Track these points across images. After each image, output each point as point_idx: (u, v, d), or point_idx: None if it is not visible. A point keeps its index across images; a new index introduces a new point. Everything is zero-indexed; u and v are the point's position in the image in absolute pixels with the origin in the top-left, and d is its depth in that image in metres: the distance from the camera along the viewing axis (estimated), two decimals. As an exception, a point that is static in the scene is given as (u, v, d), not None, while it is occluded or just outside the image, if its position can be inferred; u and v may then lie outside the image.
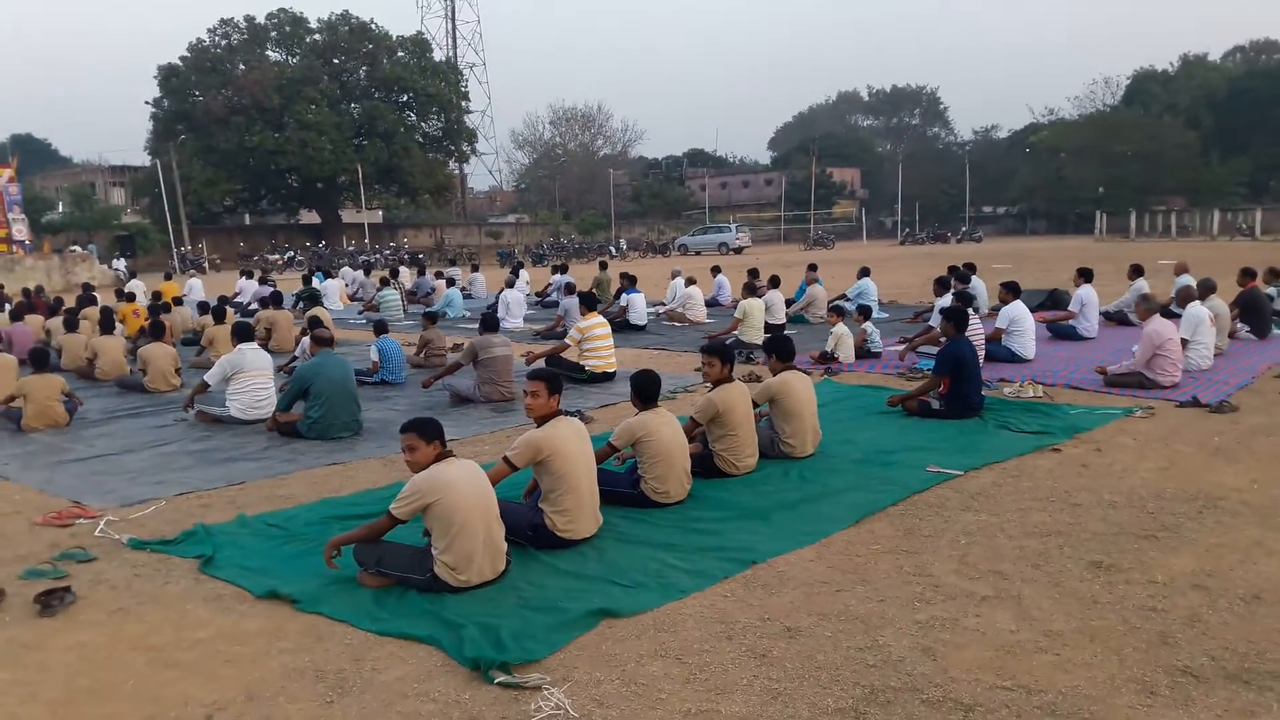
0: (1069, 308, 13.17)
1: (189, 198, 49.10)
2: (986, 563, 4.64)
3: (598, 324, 10.57)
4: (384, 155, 54.67)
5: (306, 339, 9.99)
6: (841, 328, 11.18)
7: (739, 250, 51.20)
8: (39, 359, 8.79)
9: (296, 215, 63.20)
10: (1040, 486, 5.93)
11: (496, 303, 17.62)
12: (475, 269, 26.65)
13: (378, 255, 44.30)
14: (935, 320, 12.48)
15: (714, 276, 19.76)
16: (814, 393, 6.93)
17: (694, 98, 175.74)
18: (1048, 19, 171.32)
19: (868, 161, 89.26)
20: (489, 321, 9.78)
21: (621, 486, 5.67)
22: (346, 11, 56.52)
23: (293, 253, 47.15)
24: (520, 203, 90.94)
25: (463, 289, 21.61)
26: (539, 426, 5.08)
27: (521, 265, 26.81)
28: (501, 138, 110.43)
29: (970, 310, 9.87)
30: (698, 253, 51.87)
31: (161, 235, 47.59)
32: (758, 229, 66.83)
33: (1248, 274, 12.53)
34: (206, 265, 42.74)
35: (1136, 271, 14.28)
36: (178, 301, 16.49)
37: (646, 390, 5.81)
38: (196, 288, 23.28)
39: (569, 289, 15.71)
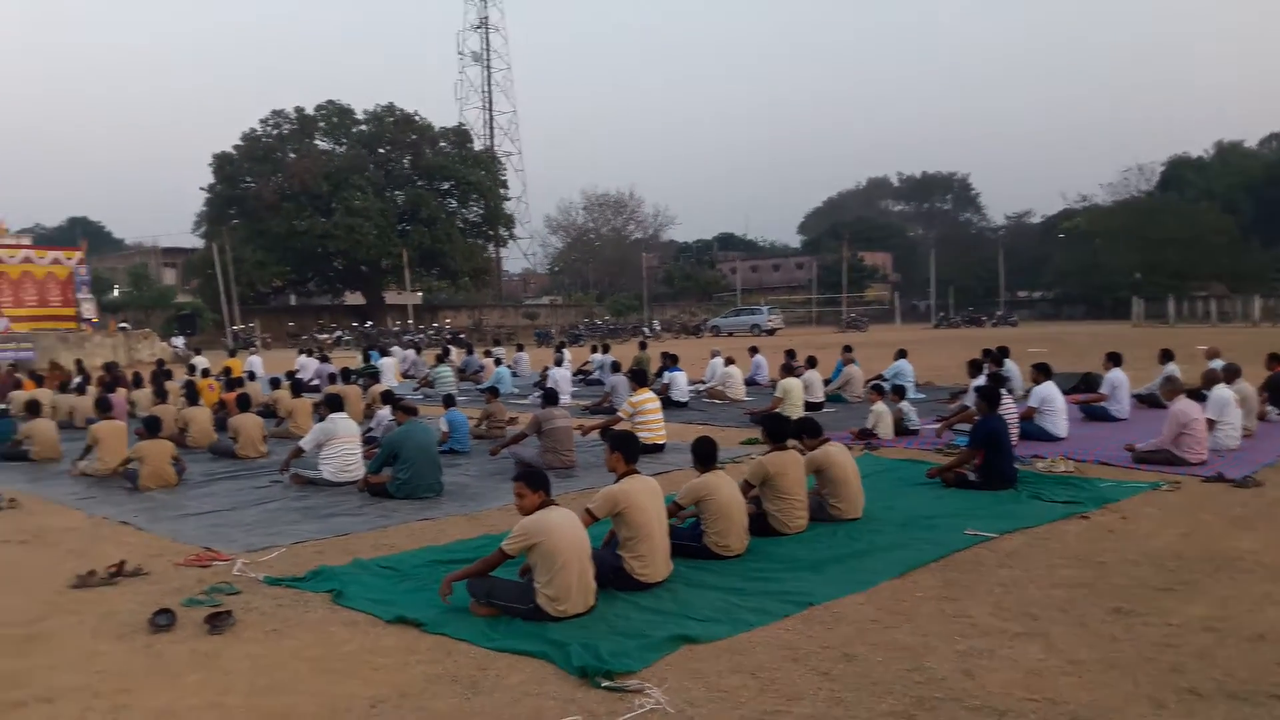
0: (1100, 390, 13.75)
1: (240, 278, 50.90)
2: (1019, 607, 5.26)
3: (648, 399, 11.36)
4: (426, 240, 56.58)
5: (386, 409, 10.85)
6: (881, 406, 11.88)
7: (771, 332, 52.05)
8: (152, 426, 9.73)
9: (341, 296, 65.19)
10: (1069, 548, 6.53)
11: (544, 379, 18.53)
12: (520, 348, 27.71)
13: (422, 335, 45.67)
14: (970, 400, 13.13)
15: (752, 356, 20.55)
16: (854, 461, 7.62)
17: (724, 183, 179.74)
18: (1079, 107, 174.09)
19: (899, 246, 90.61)
20: (551, 396, 10.61)
21: (686, 540, 6.36)
22: (391, 104, 59.23)
23: (340, 332, 48.68)
24: (553, 285, 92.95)
25: (508, 367, 22.54)
26: (616, 482, 5.82)
27: (565, 345, 27.80)
28: (536, 222, 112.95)
29: (1004, 390, 10.54)
30: (730, 334, 52.78)
31: (214, 314, 49.43)
32: (789, 311, 67.84)
33: (1275, 359, 13.06)
34: (258, 343, 44.21)
35: (1166, 356, 14.83)
36: (250, 377, 17.52)
37: (706, 454, 6.55)
38: (257, 364, 24.40)
39: (614, 367, 16.60)
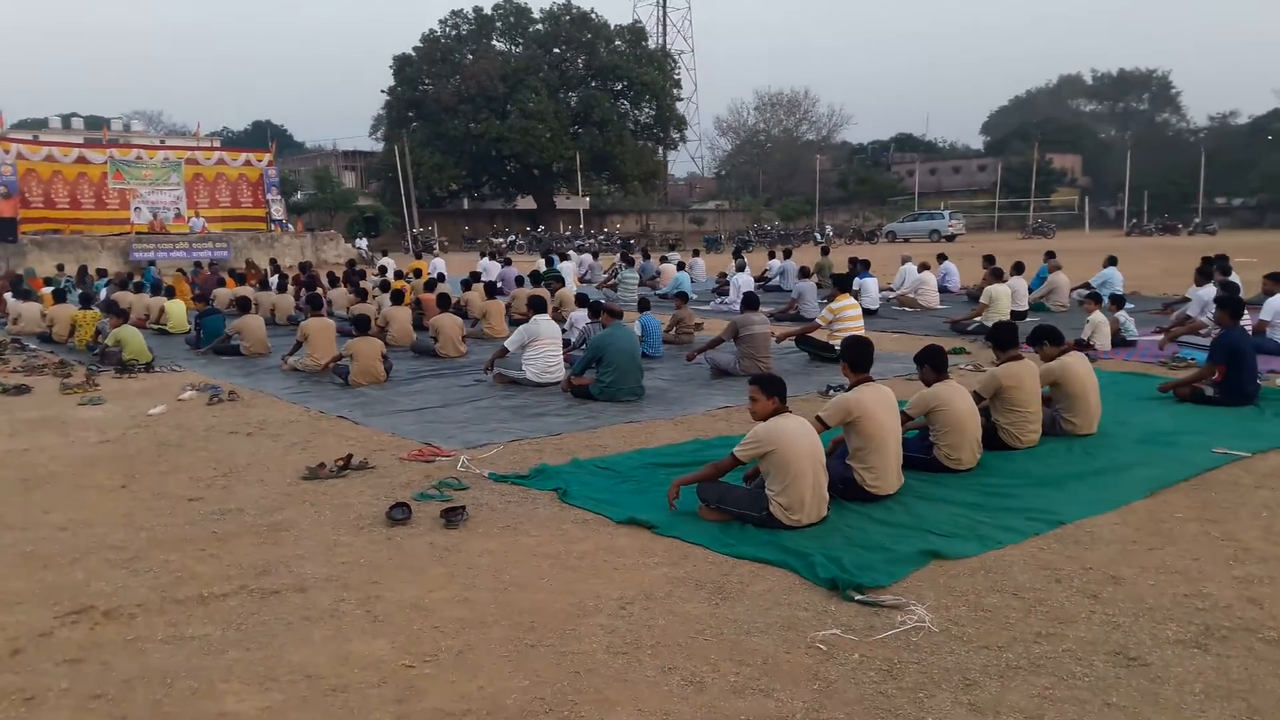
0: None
1: (418, 182, 52.38)
2: (1294, 533, 4.77)
3: (849, 305, 10.95)
4: (598, 142, 56.45)
5: (580, 312, 10.89)
6: (1099, 315, 11.08)
7: (951, 238, 49.51)
8: (361, 324, 10.11)
9: (513, 201, 66.30)
10: (1339, 471, 5.89)
11: (722, 284, 18.35)
12: (696, 254, 27.46)
13: (593, 240, 46.05)
14: (1193, 310, 12.10)
15: (939, 263, 19.63)
16: (1094, 374, 7.08)
17: (903, 82, 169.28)
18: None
19: (1090, 148, 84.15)
20: (751, 300, 10.35)
21: (915, 452, 6.06)
22: (568, 1, 58.66)
23: (514, 236, 49.68)
24: (720, 189, 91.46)
25: (686, 272, 22.36)
26: (849, 390, 5.57)
27: (743, 250, 27.43)
28: (705, 124, 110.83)
29: (1240, 300, 9.57)
30: (906, 240, 50.68)
31: (394, 217, 51.29)
32: (970, 216, 64.35)
33: None
34: (437, 246, 45.66)
35: None
36: (440, 278, 18.07)
37: (937, 362, 6.19)
38: (441, 266, 25.20)
39: (803, 273, 16.20)
